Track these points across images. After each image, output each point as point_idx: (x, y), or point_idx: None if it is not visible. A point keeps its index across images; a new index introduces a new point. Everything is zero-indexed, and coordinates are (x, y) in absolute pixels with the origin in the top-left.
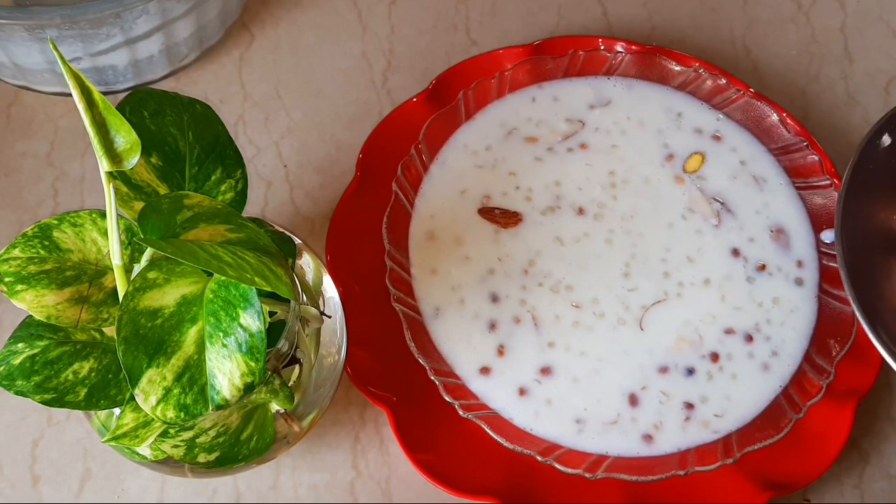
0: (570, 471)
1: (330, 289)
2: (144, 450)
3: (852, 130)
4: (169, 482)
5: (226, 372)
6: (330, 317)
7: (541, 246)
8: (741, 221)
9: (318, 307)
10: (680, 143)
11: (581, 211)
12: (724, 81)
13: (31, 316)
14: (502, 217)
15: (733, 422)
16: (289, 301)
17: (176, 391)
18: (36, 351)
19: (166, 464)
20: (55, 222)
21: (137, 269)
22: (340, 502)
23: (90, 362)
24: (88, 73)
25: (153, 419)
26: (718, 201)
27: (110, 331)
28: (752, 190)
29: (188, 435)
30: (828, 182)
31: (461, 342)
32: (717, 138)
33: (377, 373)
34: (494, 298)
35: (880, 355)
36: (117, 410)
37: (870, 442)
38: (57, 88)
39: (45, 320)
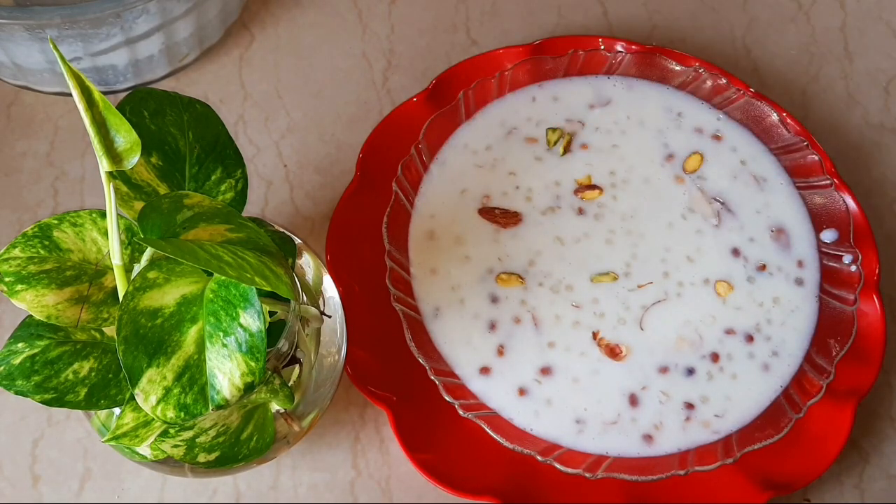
0: (570, 471)
1: (330, 289)
2: (144, 450)
3: (852, 130)
4: (169, 482)
5: (226, 372)
6: (330, 317)
7: (541, 246)
8: (741, 221)
9: (318, 307)
10: (680, 143)
11: (581, 211)
12: (724, 81)
13: (31, 316)
14: (502, 217)
15: (733, 422)
16: (289, 301)
17: (176, 391)
18: (36, 351)
19: (166, 463)
20: (55, 222)
21: (137, 268)
22: (340, 502)
23: (90, 362)
24: (88, 73)
25: (153, 419)
26: (718, 201)
27: (110, 331)
28: (753, 190)
29: (188, 435)
30: (828, 182)
31: (461, 342)
32: (717, 138)
33: (377, 373)
34: (494, 298)
35: (880, 355)
36: (117, 410)
37: (870, 442)
38: (57, 88)
39: (45, 320)
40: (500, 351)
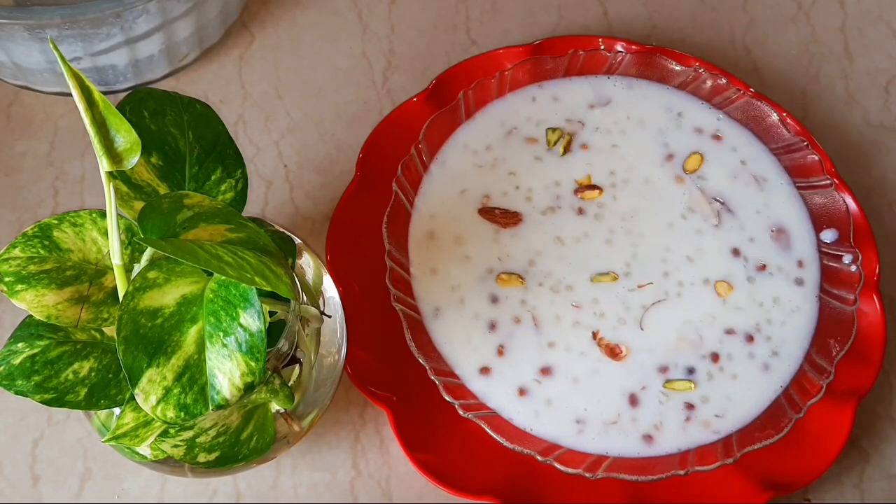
0: (570, 471)
1: (330, 289)
2: (144, 449)
3: (852, 130)
4: (169, 482)
5: (226, 372)
6: (330, 316)
7: (541, 246)
8: (741, 221)
9: (318, 307)
10: (680, 143)
11: (581, 211)
12: (724, 81)
13: (31, 316)
14: (502, 217)
15: (734, 422)
16: (289, 301)
17: (176, 391)
18: (36, 351)
19: (166, 463)
20: (55, 222)
21: (137, 268)
22: (340, 502)
23: (90, 362)
24: (88, 73)
25: (153, 419)
26: (719, 201)
27: (110, 330)
28: (753, 189)
29: (188, 435)
30: (828, 182)
31: (461, 342)
32: (717, 138)
33: (377, 373)
34: (494, 298)
35: (880, 355)
36: (117, 410)
37: (870, 442)
38: (57, 88)
39: (45, 320)
40: (500, 351)
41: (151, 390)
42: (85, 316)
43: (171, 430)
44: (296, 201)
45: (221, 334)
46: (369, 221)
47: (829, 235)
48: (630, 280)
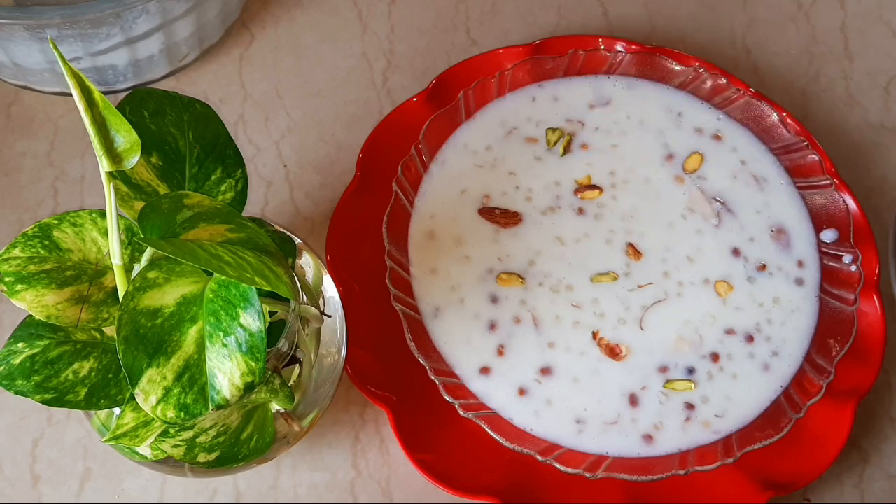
0: (570, 470)
1: (330, 289)
2: (144, 449)
3: (852, 130)
4: (169, 482)
5: (226, 371)
6: (330, 316)
7: (541, 246)
8: (741, 221)
9: (318, 307)
10: (680, 143)
11: (581, 211)
12: (724, 81)
13: (31, 316)
14: (502, 217)
15: (734, 422)
16: (289, 301)
17: (176, 391)
18: (36, 351)
19: (166, 463)
20: (55, 222)
21: (137, 268)
22: (340, 502)
23: (90, 362)
24: (88, 73)
25: (153, 419)
26: (719, 201)
27: (110, 330)
28: (753, 189)
29: (188, 434)
30: (828, 182)
31: (461, 342)
32: (717, 138)
33: (377, 373)
34: (494, 298)
35: (880, 355)
36: (117, 410)
37: (870, 442)
38: (57, 88)
39: (45, 320)
40: (500, 351)
41: (151, 390)
42: (85, 316)
43: (171, 430)
44: (296, 201)
45: (221, 334)
46: (369, 221)
47: (829, 235)
48: (630, 280)
